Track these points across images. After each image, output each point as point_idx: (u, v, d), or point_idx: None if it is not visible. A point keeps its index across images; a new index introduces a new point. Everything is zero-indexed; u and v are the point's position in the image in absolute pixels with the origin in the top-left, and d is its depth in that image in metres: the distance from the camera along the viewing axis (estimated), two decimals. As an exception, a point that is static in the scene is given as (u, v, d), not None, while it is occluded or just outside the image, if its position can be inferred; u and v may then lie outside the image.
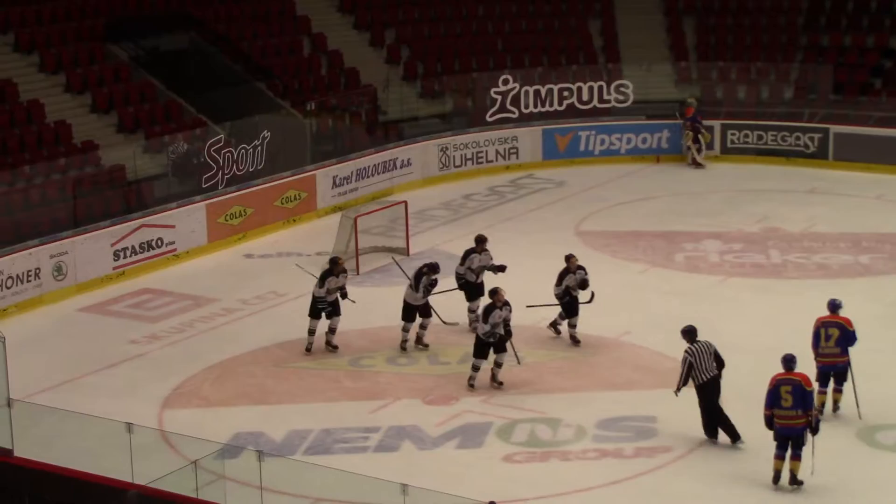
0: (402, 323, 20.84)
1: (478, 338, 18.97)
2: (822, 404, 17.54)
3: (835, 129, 33.06)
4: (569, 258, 20.89)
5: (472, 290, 21.68)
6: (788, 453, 15.57)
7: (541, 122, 33.75)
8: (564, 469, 16.52)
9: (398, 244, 26.04)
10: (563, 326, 20.84)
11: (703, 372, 16.56)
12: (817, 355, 17.50)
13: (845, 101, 34.56)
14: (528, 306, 20.46)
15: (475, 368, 18.92)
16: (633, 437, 17.13)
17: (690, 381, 16.65)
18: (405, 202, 26.73)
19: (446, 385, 19.16)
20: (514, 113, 33.39)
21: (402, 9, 36.44)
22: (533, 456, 16.91)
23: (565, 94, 33.99)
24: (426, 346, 20.93)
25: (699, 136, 32.49)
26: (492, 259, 21.93)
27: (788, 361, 15.85)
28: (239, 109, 29.38)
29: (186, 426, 16.87)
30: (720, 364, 16.75)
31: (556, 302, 20.71)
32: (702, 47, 37.66)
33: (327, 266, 21.01)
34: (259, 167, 28.21)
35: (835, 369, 17.66)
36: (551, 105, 33.85)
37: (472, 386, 18.91)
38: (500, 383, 18.93)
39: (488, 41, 36.54)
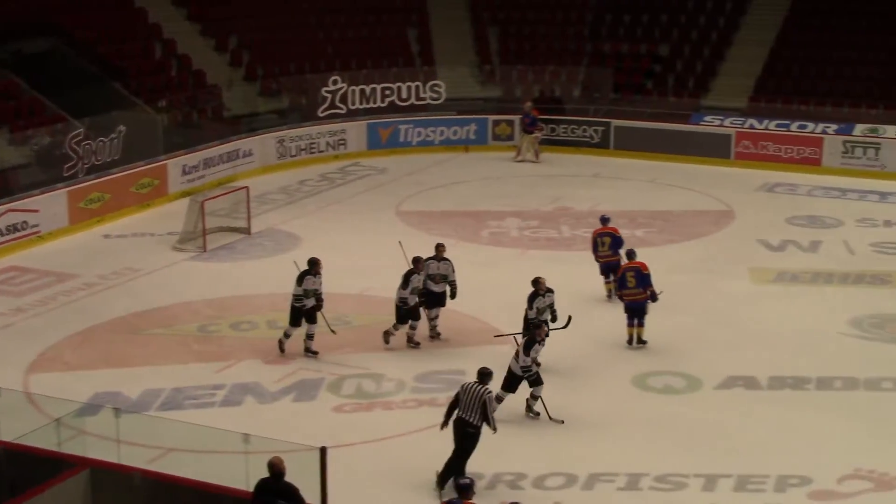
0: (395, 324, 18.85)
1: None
2: (631, 336, 19.07)
3: (615, 122, 33.77)
4: (537, 281, 17.86)
5: (431, 299, 19.15)
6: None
7: (366, 117, 33.68)
8: (387, 417, 16.49)
9: (240, 224, 25.68)
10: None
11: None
12: (622, 296, 19.32)
13: (623, 100, 35.31)
14: (495, 336, 18.09)
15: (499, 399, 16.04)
16: (445, 388, 17.08)
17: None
18: (247, 187, 26.38)
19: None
20: (342, 109, 33.25)
21: (244, 18, 36.00)
22: (360, 406, 16.82)
23: (387, 92, 34.03)
24: (417, 344, 19.03)
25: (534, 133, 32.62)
26: (453, 270, 19.23)
27: (630, 253, 19.30)
28: (97, 106, 28.61)
29: (50, 388, 16.33)
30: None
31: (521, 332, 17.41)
32: (504, 53, 38.03)
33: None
34: (116, 157, 27.57)
35: (635, 305, 19.02)
36: (375, 102, 33.85)
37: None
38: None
39: (320, 46, 36.29)
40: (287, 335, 18.54)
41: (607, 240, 21.18)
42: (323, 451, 11.67)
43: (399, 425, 16.13)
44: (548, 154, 33.05)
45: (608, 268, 21.17)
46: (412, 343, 18.95)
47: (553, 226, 26.19)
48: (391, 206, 28.02)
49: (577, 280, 21.63)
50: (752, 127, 32.67)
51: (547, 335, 16.71)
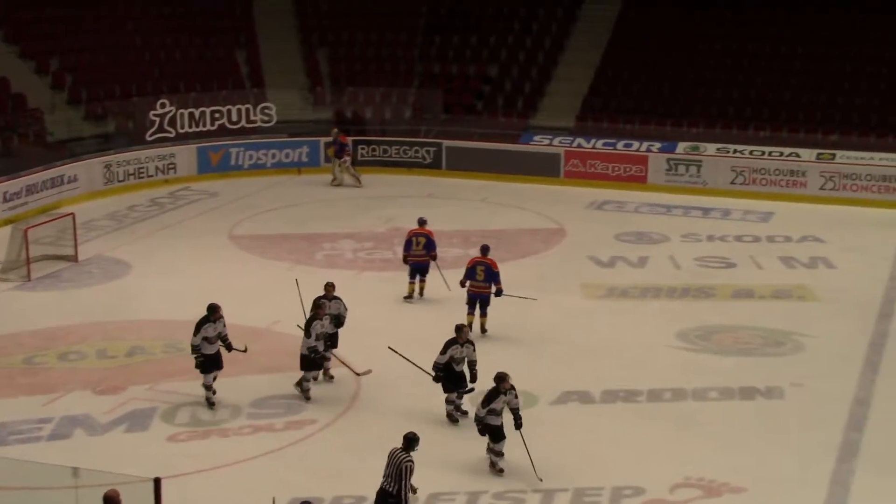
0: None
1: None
2: (471, 324, 19.66)
3: (446, 143, 34.01)
4: (460, 328, 16.82)
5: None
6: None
7: (195, 141, 33.23)
8: (222, 444, 16.17)
9: (67, 252, 24.99)
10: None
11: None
12: (464, 284, 20.49)
13: (454, 120, 35.60)
14: (389, 347, 17.66)
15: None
16: (284, 413, 16.99)
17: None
18: (72, 214, 25.68)
19: (115, 377, 18.43)
20: (171, 133, 32.76)
21: (66, 39, 35.22)
22: (195, 434, 16.47)
23: (217, 115, 33.71)
24: (331, 377, 18.31)
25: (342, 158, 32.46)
26: (345, 308, 18.51)
27: (484, 249, 20.65)
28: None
29: None
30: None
31: (425, 369, 16.94)
32: (335, 75, 38.01)
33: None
34: (-68, 184, 26.71)
35: (481, 297, 20.38)
36: (205, 125, 33.47)
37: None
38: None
39: (146, 69, 35.76)
40: (207, 386, 17.29)
41: (422, 240, 22.18)
42: (157, 481, 11.38)
43: (235, 452, 15.85)
44: (382, 176, 33.14)
45: (417, 268, 22.30)
46: (301, 388, 17.65)
47: (388, 247, 26.19)
48: (224, 230, 27.65)
49: (414, 300, 21.84)
50: (580, 146, 33.25)
51: (470, 390, 16.65)
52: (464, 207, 30.08)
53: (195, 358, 17.11)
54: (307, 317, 17.67)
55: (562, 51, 37.89)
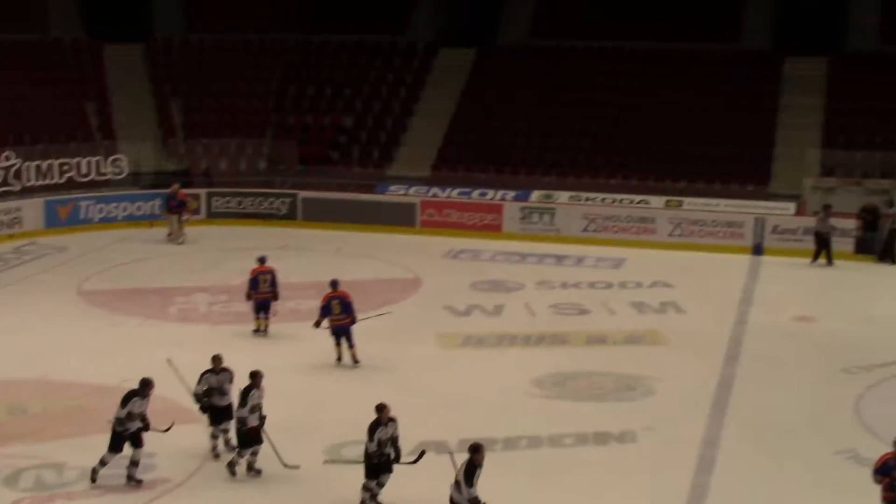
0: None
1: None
2: (340, 356, 21.40)
3: (302, 194, 34.01)
4: (381, 408, 15.74)
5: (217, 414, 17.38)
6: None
7: (43, 194, 32.71)
8: (68, 509, 15.80)
9: None
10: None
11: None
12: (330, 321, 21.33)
13: (309, 171, 35.60)
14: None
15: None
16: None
17: None
18: (-87, 271, 25.02)
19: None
20: (16, 186, 32.18)
21: None
22: (39, 499, 15.93)
23: (65, 167, 33.40)
24: (259, 471, 16.67)
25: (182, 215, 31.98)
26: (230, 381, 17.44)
27: (334, 283, 21.44)
28: None
29: None
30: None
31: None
32: (188, 125, 37.77)
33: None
34: None
35: (343, 329, 21.31)
36: (52, 178, 32.99)
37: None
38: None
39: (-10, 122, 35.06)
40: (104, 463, 16.28)
41: (268, 277, 23.27)
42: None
43: (82, 516, 15.51)
44: (236, 227, 32.87)
45: (263, 305, 23.38)
46: (253, 471, 16.59)
47: (242, 299, 25.84)
48: (72, 285, 27.06)
49: (273, 351, 21.76)
50: (435, 195, 33.52)
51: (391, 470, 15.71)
52: (319, 258, 29.97)
53: (121, 431, 16.26)
54: (194, 392, 17.02)
55: (417, 101, 38.25)
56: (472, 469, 14.06)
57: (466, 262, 29.98)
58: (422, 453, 15.82)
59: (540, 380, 21.01)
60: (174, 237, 31.79)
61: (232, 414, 16.99)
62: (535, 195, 33.10)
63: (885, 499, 14.15)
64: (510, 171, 34.66)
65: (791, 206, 31.86)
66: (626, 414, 19.40)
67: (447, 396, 20.03)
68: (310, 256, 30.12)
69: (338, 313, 21.25)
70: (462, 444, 17.71)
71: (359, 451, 17.24)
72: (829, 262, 29.78)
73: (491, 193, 33.39)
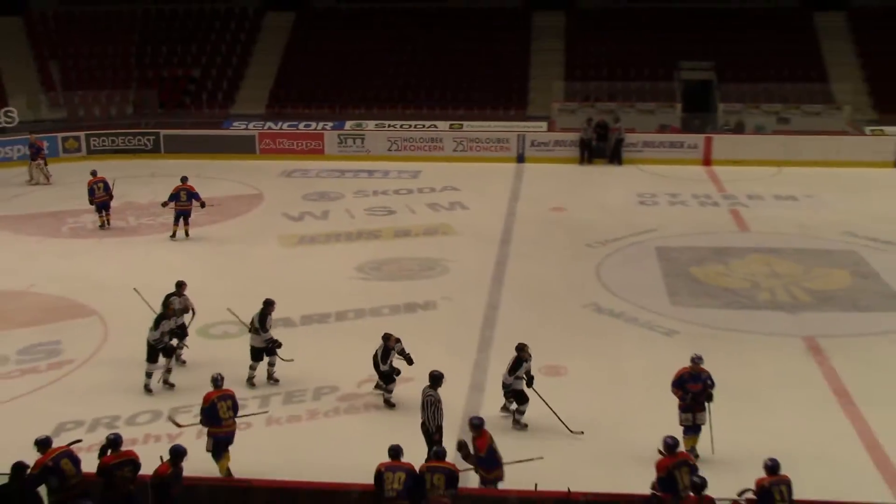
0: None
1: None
2: (175, 232, 22.63)
3: (163, 132, 32.92)
4: (387, 337, 14.57)
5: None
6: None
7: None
8: (-5, 387, 15.39)
9: None
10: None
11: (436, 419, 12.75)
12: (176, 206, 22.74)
13: (168, 113, 34.66)
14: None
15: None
16: (46, 357, 16.29)
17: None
18: None
19: None
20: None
21: None
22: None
23: (-34, 119, 31.56)
24: (277, 380, 15.50)
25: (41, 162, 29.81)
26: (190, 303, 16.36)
27: (184, 178, 22.67)
28: None
29: None
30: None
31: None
32: (65, 82, 36.11)
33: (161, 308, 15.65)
34: None
35: (185, 213, 22.86)
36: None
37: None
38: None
39: None
40: (149, 374, 15.18)
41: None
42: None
43: (6, 393, 15.10)
44: (112, 161, 31.65)
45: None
46: (272, 380, 15.47)
47: (122, 217, 25.26)
48: (-17, 217, 25.92)
49: (147, 259, 21.49)
50: (269, 128, 32.98)
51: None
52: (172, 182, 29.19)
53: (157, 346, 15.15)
54: (157, 314, 15.59)
55: (250, 55, 37.42)
56: (518, 363, 13.76)
57: (298, 179, 29.73)
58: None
59: (361, 266, 21.24)
60: (35, 179, 29.42)
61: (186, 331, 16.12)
62: (349, 124, 32.94)
63: (681, 407, 13.17)
64: (328, 107, 34.36)
65: (544, 125, 32.51)
66: (429, 288, 19.79)
67: (289, 284, 20.03)
68: (173, 181, 28.94)
69: (184, 200, 22.90)
70: (304, 318, 17.98)
71: (223, 329, 17.33)
72: (590, 162, 30.73)
73: (314, 125, 33.03)
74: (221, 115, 34.64)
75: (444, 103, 34.09)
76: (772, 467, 10.73)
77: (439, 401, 12.65)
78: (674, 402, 13.19)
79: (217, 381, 12.69)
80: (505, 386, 13.96)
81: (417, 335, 16.96)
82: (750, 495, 10.76)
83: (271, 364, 15.50)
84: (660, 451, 11.09)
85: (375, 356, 14.65)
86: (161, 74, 36.65)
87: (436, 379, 12.73)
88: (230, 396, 12.61)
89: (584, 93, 33.84)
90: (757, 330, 17.55)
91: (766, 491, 10.53)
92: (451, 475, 10.84)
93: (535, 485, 11.11)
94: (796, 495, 10.63)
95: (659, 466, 10.91)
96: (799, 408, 14.47)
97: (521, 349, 13.91)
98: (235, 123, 33.57)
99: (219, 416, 12.43)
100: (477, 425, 11.68)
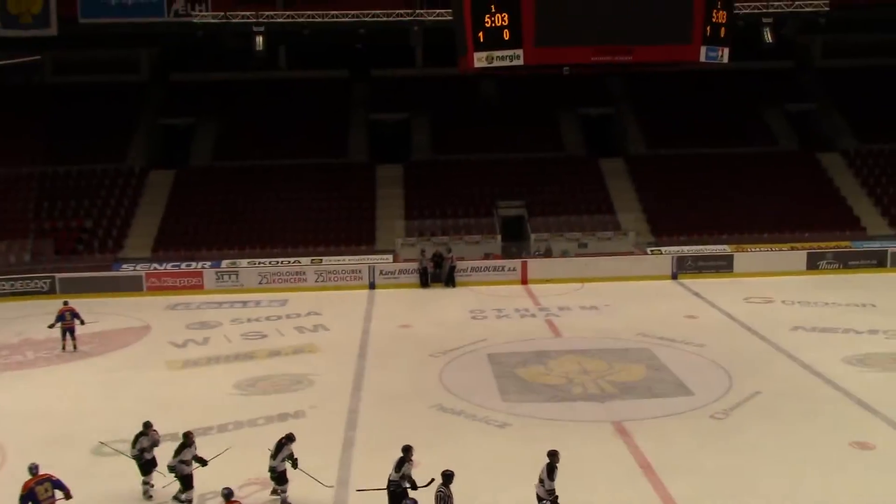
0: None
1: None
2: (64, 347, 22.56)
3: (59, 275, 31.30)
4: (406, 449, 13.41)
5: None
6: None
7: None
8: None
9: None
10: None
11: None
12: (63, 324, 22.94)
13: (62, 259, 33.08)
14: (357, 490, 14.05)
15: None
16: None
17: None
18: None
19: None
20: None
21: None
22: None
23: None
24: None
25: None
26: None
27: (65, 302, 21.79)
28: None
29: None
30: None
31: (383, 487, 13.35)
32: (-34, 234, 34.20)
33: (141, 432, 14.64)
34: None
35: (70, 330, 23.23)
36: None
37: None
38: None
39: None
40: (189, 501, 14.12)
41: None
42: None
43: None
44: (10, 303, 29.90)
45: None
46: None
47: (20, 352, 23.70)
48: None
49: (44, 387, 19.90)
50: (155, 268, 31.95)
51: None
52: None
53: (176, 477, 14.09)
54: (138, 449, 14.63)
55: (136, 206, 36.39)
56: (551, 468, 12.95)
57: (181, 311, 28.70)
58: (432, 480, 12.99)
59: (238, 384, 20.53)
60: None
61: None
62: (224, 263, 32.26)
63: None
64: (206, 249, 33.61)
65: (390, 257, 32.69)
66: (298, 400, 19.26)
67: (175, 401, 19.20)
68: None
69: (68, 319, 23.24)
70: (197, 431, 17.02)
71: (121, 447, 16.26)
72: (429, 286, 30.90)
73: (194, 264, 32.20)
74: (111, 258, 33.34)
75: (306, 243, 33.88)
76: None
77: (450, 496, 12.07)
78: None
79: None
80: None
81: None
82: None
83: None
84: None
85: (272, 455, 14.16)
86: (56, 226, 35.16)
87: (448, 477, 12.17)
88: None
89: (421, 229, 34.32)
90: (574, 418, 17.73)
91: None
92: None
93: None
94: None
95: None
96: (612, 481, 14.57)
97: (553, 455, 13.06)
98: (124, 265, 32.36)
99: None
100: None
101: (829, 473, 14.84)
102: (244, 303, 29.64)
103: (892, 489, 14.02)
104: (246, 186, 36.81)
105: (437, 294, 30.51)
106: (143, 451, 14.56)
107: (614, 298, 28.47)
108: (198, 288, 31.36)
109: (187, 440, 14.38)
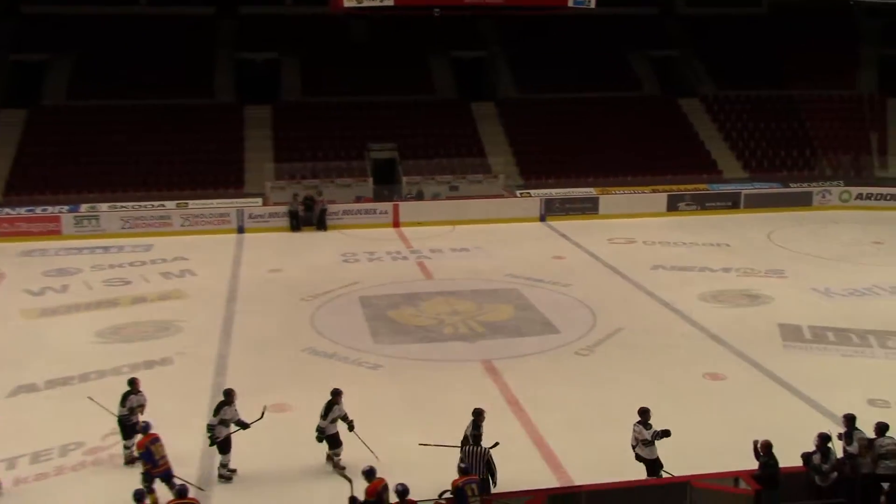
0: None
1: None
2: None
3: None
4: (335, 393, 13.27)
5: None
6: None
7: None
8: None
9: None
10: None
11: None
12: None
13: None
14: (420, 444, 13.00)
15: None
16: None
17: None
18: None
19: None
20: None
21: None
22: None
23: None
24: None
25: None
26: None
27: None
28: None
29: None
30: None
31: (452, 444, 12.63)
32: None
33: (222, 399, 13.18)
34: None
35: None
36: None
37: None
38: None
39: None
40: (224, 464, 13.11)
41: None
42: None
43: None
44: None
45: None
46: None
47: None
48: None
49: None
50: (8, 213, 30.22)
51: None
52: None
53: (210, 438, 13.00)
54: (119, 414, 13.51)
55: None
56: (330, 406, 12.97)
57: (37, 258, 27.27)
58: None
59: (100, 332, 19.87)
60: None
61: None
62: (84, 207, 30.80)
63: None
64: (63, 192, 31.97)
65: (259, 200, 32.04)
66: (165, 346, 18.85)
67: (32, 352, 18.44)
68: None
69: None
70: (48, 383, 16.43)
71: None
72: (300, 229, 30.49)
73: (51, 209, 30.60)
74: (-40, 205, 31.31)
75: (170, 185, 32.74)
76: (465, 469, 11.05)
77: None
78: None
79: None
80: (320, 430, 13.03)
81: (158, 387, 16.10)
82: (448, 495, 10.93)
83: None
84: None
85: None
86: None
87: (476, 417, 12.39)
88: None
89: (292, 172, 33.72)
90: (445, 358, 18.05)
91: (460, 490, 10.75)
92: None
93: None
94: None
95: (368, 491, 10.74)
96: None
97: (335, 394, 13.03)
98: (-28, 212, 30.48)
99: None
100: None
101: (685, 403, 15.71)
102: (105, 248, 28.46)
103: (740, 415, 14.97)
104: (106, 127, 35.11)
105: (308, 238, 30.19)
106: (132, 410, 13.42)
107: (485, 240, 28.93)
108: (55, 233, 29.89)
109: (228, 398, 13.02)
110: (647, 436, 12.25)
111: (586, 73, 39.81)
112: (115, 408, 13.56)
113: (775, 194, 34.35)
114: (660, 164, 35.41)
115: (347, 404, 13.54)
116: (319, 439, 13.20)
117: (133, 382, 13.63)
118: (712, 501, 10.71)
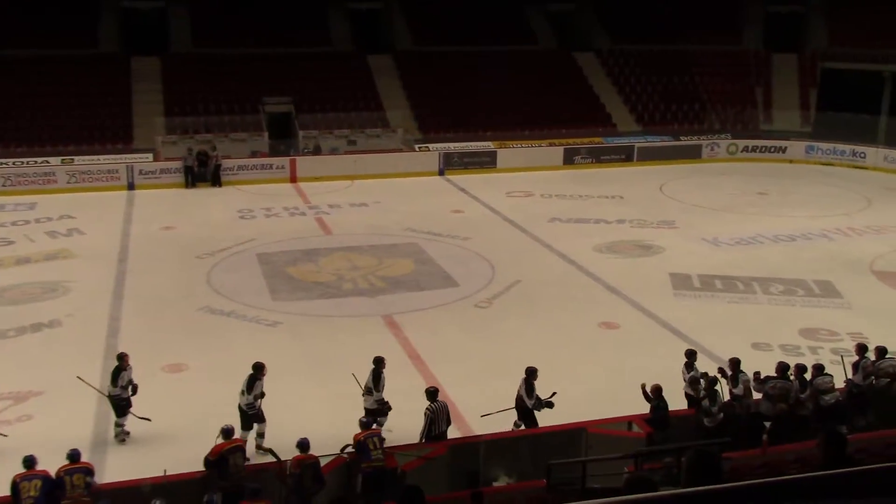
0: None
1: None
2: None
3: None
4: (258, 367, 12.61)
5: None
6: None
7: None
8: None
9: None
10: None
11: (438, 427, 11.91)
12: None
13: None
14: (482, 416, 12.77)
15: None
16: None
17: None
18: None
19: None
20: None
21: None
22: None
23: None
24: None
25: None
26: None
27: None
28: None
29: None
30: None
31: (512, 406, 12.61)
32: None
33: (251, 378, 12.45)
34: None
35: None
36: None
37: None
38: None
39: None
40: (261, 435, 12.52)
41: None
42: None
43: None
44: None
45: None
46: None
47: None
48: None
49: None
50: None
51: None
52: None
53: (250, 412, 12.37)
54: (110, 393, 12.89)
55: None
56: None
57: None
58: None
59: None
60: None
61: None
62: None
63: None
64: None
65: (150, 156, 31.06)
66: (53, 308, 18.24)
67: None
68: None
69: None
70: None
71: None
72: (194, 185, 29.75)
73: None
74: None
75: (55, 141, 31.36)
76: (366, 423, 11.15)
77: (439, 411, 11.99)
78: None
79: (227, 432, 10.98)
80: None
81: (45, 351, 15.63)
82: (350, 449, 11.02)
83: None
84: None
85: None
86: None
87: (432, 394, 12.15)
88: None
89: (184, 126, 32.77)
90: (345, 314, 18.04)
91: (362, 444, 10.86)
92: None
93: (165, 470, 10.56)
94: (389, 444, 11.09)
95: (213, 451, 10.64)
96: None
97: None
98: None
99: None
100: None
101: (580, 352, 16.17)
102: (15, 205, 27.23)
103: (632, 363, 15.52)
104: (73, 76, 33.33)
105: (203, 194, 29.51)
106: (124, 388, 12.78)
107: (383, 195, 28.85)
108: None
109: (259, 372, 12.48)
110: (528, 403, 12.44)
111: (483, 27, 39.82)
112: (106, 388, 13.07)
113: (667, 147, 35.32)
114: (556, 118, 35.88)
115: (246, 362, 13.38)
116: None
117: (122, 357, 13.08)
118: (607, 445, 11.11)
